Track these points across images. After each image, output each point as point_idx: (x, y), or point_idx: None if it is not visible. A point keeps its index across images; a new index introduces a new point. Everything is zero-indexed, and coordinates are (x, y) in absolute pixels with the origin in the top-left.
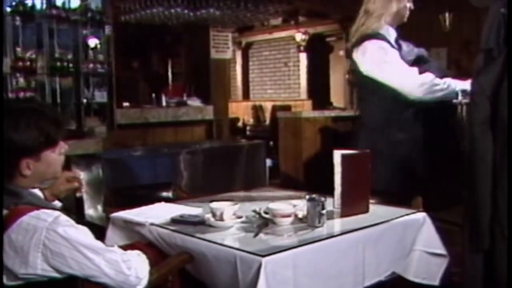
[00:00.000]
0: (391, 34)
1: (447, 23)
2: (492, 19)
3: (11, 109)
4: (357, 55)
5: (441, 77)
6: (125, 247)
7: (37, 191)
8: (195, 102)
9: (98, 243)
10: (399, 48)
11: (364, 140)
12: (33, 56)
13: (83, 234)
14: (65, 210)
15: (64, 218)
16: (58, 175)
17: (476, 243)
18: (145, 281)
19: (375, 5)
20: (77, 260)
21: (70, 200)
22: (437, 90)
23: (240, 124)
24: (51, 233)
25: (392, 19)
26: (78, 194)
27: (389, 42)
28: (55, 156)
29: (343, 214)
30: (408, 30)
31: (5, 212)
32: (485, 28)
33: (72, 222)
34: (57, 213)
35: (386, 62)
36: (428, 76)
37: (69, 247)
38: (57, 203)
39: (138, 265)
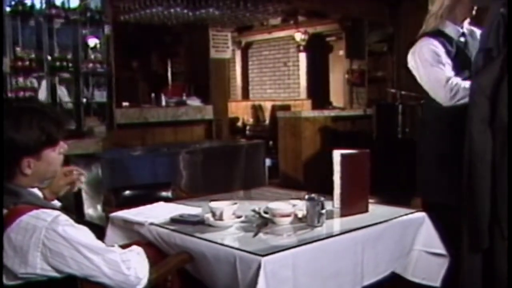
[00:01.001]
0: (457, 30)
1: None
2: (492, 19)
3: (12, 108)
4: (410, 52)
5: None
6: (124, 247)
7: (36, 191)
8: (194, 102)
9: (98, 243)
10: (464, 46)
11: (420, 134)
12: (33, 55)
13: (83, 234)
14: (64, 209)
15: (63, 217)
16: (57, 174)
17: (475, 243)
18: (144, 280)
19: (435, 5)
20: (76, 259)
21: (70, 200)
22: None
23: (239, 123)
24: (51, 233)
25: (450, 14)
26: (77, 187)
27: (447, 39)
28: (55, 155)
29: (343, 214)
30: (408, 30)
31: (4, 211)
32: (485, 28)
33: (71, 221)
34: (57, 212)
35: (424, 65)
36: (456, 83)
37: (68, 247)
38: (57, 203)
39: (138, 265)
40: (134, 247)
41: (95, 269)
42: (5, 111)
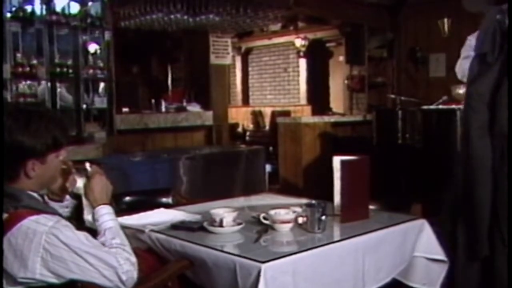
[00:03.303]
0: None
1: (446, 28)
2: (487, 25)
3: (21, 111)
4: None
5: None
6: None
7: (35, 195)
8: (194, 107)
9: (98, 247)
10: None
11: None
12: (33, 61)
13: (83, 238)
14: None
15: (63, 222)
16: (56, 180)
17: (474, 250)
18: (135, 278)
19: None
20: (77, 263)
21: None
22: None
23: (239, 129)
24: (51, 237)
25: None
26: (70, 189)
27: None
28: (57, 160)
29: (343, 220)
30: (408, 35)
31: (4, 215)
32: (480, 34)
33: (71, 226)
34: (57, 217)
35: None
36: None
37: (69, 251)
38: (71, 201)
39: (128, 266)
40: (115, 244)
41: (97, 272)
42: (14, 114)
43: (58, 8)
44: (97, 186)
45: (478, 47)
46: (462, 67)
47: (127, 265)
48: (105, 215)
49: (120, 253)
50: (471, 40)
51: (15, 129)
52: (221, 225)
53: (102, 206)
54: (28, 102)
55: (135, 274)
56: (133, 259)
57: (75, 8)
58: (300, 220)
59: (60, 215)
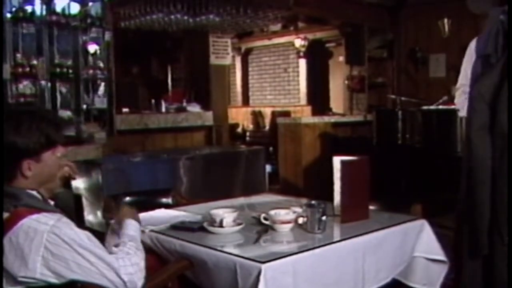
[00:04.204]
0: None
1: (446, 29)
2: (491, 26)
3: (12, 112)
4: None
5: None
6: None
7: (35, 193)
8: (194, 108)
9: (99, 247)
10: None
11: None
12: (33, 62)
13: (84, 238)
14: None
15: (64, 220)
16: (55, 177)
17: (475, 249)
18: (140, 284)
19: None
20: (78, 262)
21: (70, 206)
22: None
23: (239, 130)
24: (52, 236)
25: None
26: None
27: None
28: (54, 158)
29: (343, 221)
30: (408, 35)
31: (5, 214)
32: (484, 35)
33: (73, 225)
34: (58, 216)
35: None
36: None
37: (70, 250)
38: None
39: (133, 269)
40: (129, 245)
41: (97, 272)
42: (5, 115)
43: (58, 8)
44: (129, 213)
45: (482, 48)
46: (460, 102)
47: (133, 268)
48: (131, 225)
49: (131, 254)
50: (470, 56)
51: (7, 131)
52: (221, 225)
53: (131, 220)
54: (20, 103)
55: (139, 281)
56: (142, 264)
57: (75, 8)
58: (300, 220)
59: (60, 213)
